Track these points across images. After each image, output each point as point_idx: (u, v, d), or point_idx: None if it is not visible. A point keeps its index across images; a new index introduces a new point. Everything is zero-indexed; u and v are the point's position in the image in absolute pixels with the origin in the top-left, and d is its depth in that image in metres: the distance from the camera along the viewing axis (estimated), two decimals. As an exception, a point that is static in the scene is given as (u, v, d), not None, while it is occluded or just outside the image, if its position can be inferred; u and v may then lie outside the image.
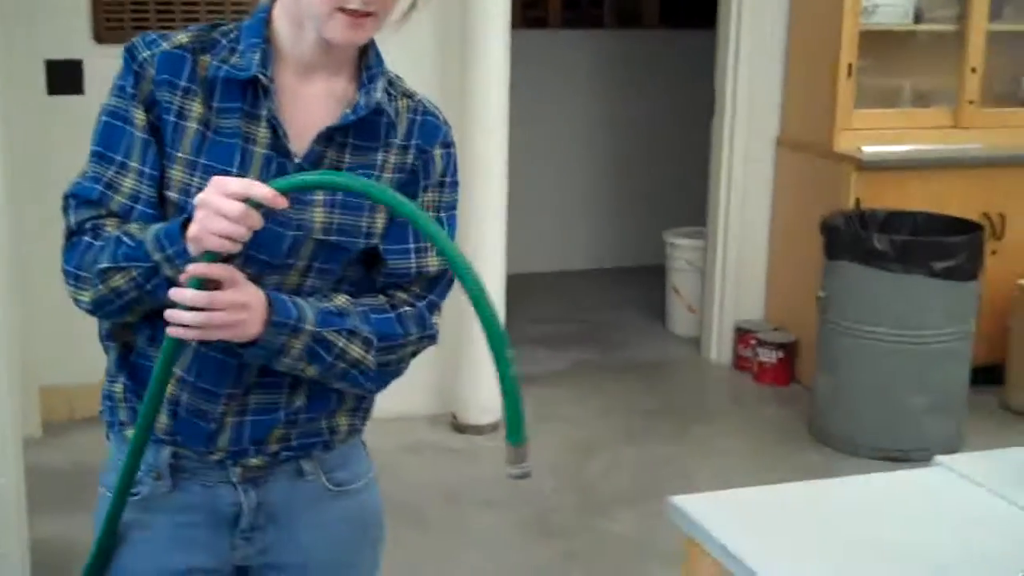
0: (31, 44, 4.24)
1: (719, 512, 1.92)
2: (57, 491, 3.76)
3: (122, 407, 1.71)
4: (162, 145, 1.62)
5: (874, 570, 1.72)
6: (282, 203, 1.48)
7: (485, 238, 4.51)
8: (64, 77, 4.32)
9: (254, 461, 1.70)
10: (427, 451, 4.41)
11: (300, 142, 1.63)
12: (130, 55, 1.64)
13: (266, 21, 1.66)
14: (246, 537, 1.73)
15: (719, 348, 5.43)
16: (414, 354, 1.74)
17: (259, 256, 1.60)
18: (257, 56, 1.62)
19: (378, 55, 1.71)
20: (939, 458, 2.17)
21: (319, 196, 1.64)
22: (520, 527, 3.89)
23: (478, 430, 4.57)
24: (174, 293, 1.50)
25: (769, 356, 5.14)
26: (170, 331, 1.52)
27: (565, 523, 3.91)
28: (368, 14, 1.57)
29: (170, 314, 1.51)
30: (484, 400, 4.59)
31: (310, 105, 1.66)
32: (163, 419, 1.66)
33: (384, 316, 1.69)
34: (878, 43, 4.93)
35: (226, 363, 1.63)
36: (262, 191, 1.46)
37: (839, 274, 4.41)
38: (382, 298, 1.70)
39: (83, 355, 4.25)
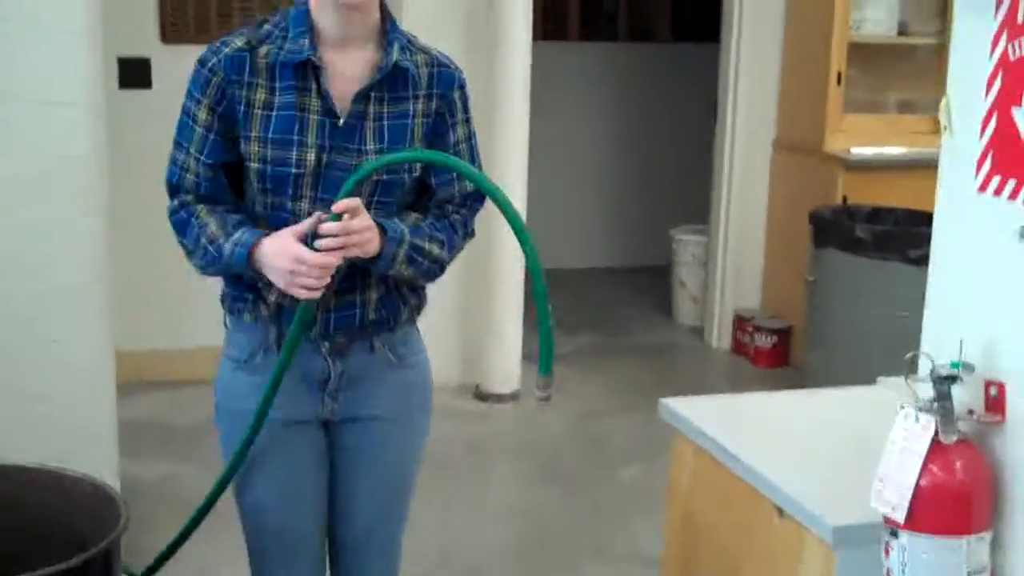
0: (105, 42, 4.74)
1: (695, 407, 2.41)
2: (132, 441, 4.24)
3: (239, 302, 2.24)
4: (235, 127, 2.13)
5: (807, 442, 2.20)
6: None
7: (506, 234, 4.98)
8: (134, 73, 4.84)
9: (339, 339, 2.23)
10: (452, 414, 4.88)
11: (343, 104, 2.14)
12: (201, 64, 2.13)
13: (307, 11, 2.11)
14: (332, 396, 2.27)
15: (719, 334, 5.91)
16: (460, 249, 2.28)
17: (330, 196, 2.11)
18: (306, 41, 2.10)
19: (394, 24, 2.18)
20: (880, 378, 2.66)
21: (370, 145, 2.15)
22: (534, 473, 4.37)
23: (499, 398, 5.05)
24: (323, 228, 2.03)
25: (764, 341, 5.62)
26: (321, 251, 2.03)
27: (573, 471, 4.40)
28: None
29: (321, 244, 2.03)
30: (506, 371, 5.07)
31: (347, 73, 2.15)
32: (272, 310, 2.17)
33: (442, 223, 2.24)
34: (866, 54, 5.41)
35: None
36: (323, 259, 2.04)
37: (825, 261, 4.88)
38: (436, 212, 2.25)
39: (152, 323, 4.79)
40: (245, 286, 2.21)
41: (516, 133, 4.96)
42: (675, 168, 7.24)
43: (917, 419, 1.67)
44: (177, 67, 4.86)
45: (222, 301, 2.29)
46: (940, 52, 5.44)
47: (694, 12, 7.44)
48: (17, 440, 3.16)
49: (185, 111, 2.16)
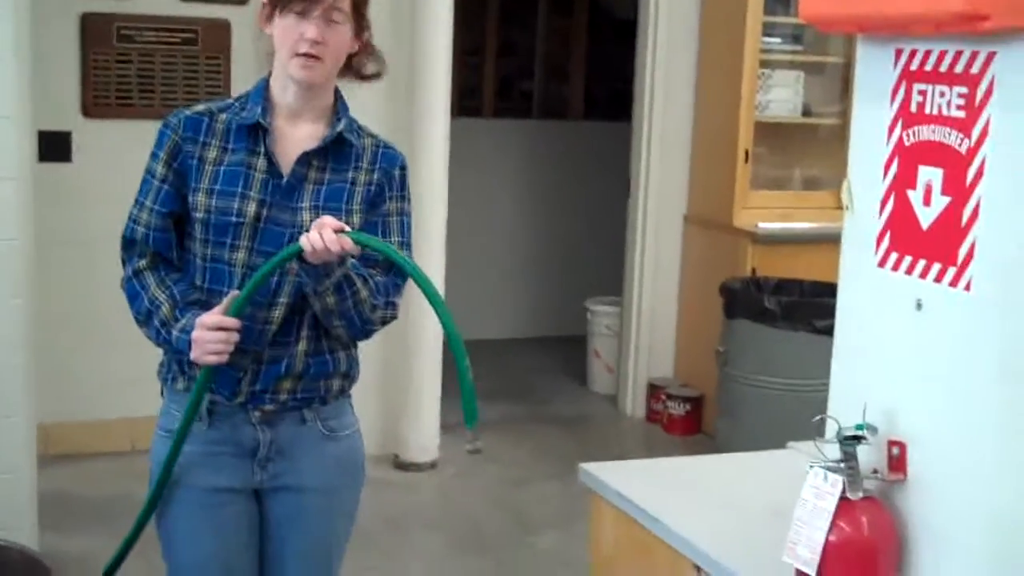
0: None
1: (614, 472, 2.50)
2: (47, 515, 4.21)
3: (173, 368, 2.32)
4: (188, 181, 2.27)
5: (723, 503, 2.31)
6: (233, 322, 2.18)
7: (424, 305, 5.06)
8: (54, 146, 4.86)
9: (268, 407, 2.30)
10: (372, 485, 4.88)
11: (288, 166, 2.29)
12: (164, 125, 2.32)
13: (266, 86, 2.33)
14: (262, 465, 2.34)
15: (634, 403, 6.03)
16: (383, 321, 2.34)
17: (267, 249, 2.25)
18: (259, 109, 2.29)
19: (344, 106, 2.38)
20: (790, 443, 2.78)
21: (306, 203, 2.27)
22: (457, 545, 4.42)
23: (418, 467, 5.11)
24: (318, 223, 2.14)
25: (677, 409, 5.75)
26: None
27: (497, 541, 4.46)
28: (316, 57, 2.22)
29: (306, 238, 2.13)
30: (424, 441, 5.13)
31: (296, 142, 2.32)
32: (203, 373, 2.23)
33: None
34: (771, 133, 5.64)
35: (253, 328, 2.23)
36: (231, 322, 2.17)
37: (736, 331, 5.04)
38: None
39: (58, 395, 4.77)
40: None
41: (435, 205, 5.07)
42: (589, 241, 7.41)
43: (826, 478, 1.78)
44: (98, 141, 4.99)
45: (159, 371, 2.35)
46: (842, 132, 5.68)
47: (605, 93, 7.68)
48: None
49: (147, 169, 2.32)
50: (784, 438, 5.06)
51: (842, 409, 1.91)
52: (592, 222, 7.38)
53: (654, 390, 5.93)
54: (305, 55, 2.22)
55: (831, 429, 1.83)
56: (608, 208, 6.86)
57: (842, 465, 1.78)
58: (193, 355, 2.19)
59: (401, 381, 5.13)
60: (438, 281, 5.10)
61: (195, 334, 2.18)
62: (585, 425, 5.97)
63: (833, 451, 1.81)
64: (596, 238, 7.29)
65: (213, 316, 2.18)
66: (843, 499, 1.76)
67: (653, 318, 5.99)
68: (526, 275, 7.52)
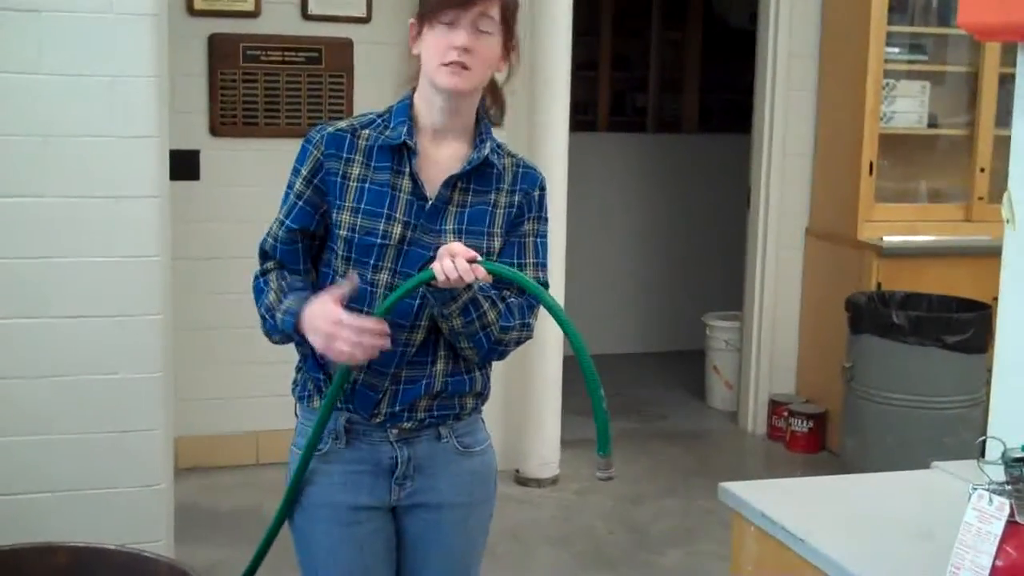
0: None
1: (756, 491, 2.46)
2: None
3: (309, 387, 2.34)
4: (325, 199, 2.26)
5: (871, 523, 2.25)
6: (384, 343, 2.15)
7: (544, 322, 5.06)
8: (183, 165, 4.95)
9: (406, 425, 2.31)
10: (493, 499, 4.93)
11: (432, 188, 2.28)
12: (307, 141, 2.30)
13: (409, 104, 2.30)
14: (399, 483, 2.34)
15: (754, 419, 5.95)
16: (517, 342, 2.32)
17: (408, 271, 2.24)
18: (404, 129, 2.27)
19: (488, 127, 2.35)
20: (935, 463, 2.71)
21: (449, 226, 2.27)
22: (581, 561, 4.40)
23: (539, 483, 5.10)
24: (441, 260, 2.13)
25: (800, 426, 5.66)
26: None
27: (620, 558, 4.42)
28: (464, 66, 2.19)
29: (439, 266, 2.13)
30: (546, 456, 5.12)
31: (440, 163, 2.30)
32: (342, 394, 2.27)
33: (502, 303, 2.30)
34: (896, 145, 5.53)
35: (395, 350, 2.24)
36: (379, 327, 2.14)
37: (862, 346, 4.94)
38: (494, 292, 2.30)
39: (185, 408, 4.87)
40: (316, 365, 2.30)
41: (554, 221, 5.01)
42: (706, 255, 7.34)
43: (991, 501, 1.73)
44: (225, 159, 5.08)
45: (293, 389, 2.38)
46: (968, 143, 5.56)
47: (720, 104, 7.61)
48: (81, 523, 3.24)
49: (288, 183, 2.32)
50: (912, 456, 4.95)
51: (1005, 429, 1.85)
52: (709, 235, 7.32)
53: (775, 406, 5.85)
54: (453, 63, 2.20)
55: (994, 450, 1.77)
56: (725, 221, 6.81)
57: (1008, 487, 1.72)
58: (320, 347, 2.15)
59: (522, 397, 5.13)
60: (558, 296, 5.09)
61: (327, 328, 2.12)
62: (705, 441, 5.91)
63: (997, 473, 1.76)
64: (713, 252, 7.23)
65: (348, 316, 2.12)
66: (1010, 522, 1.71)
67: (774, 333, 5.91)
68: (643, 290, 7.47)
